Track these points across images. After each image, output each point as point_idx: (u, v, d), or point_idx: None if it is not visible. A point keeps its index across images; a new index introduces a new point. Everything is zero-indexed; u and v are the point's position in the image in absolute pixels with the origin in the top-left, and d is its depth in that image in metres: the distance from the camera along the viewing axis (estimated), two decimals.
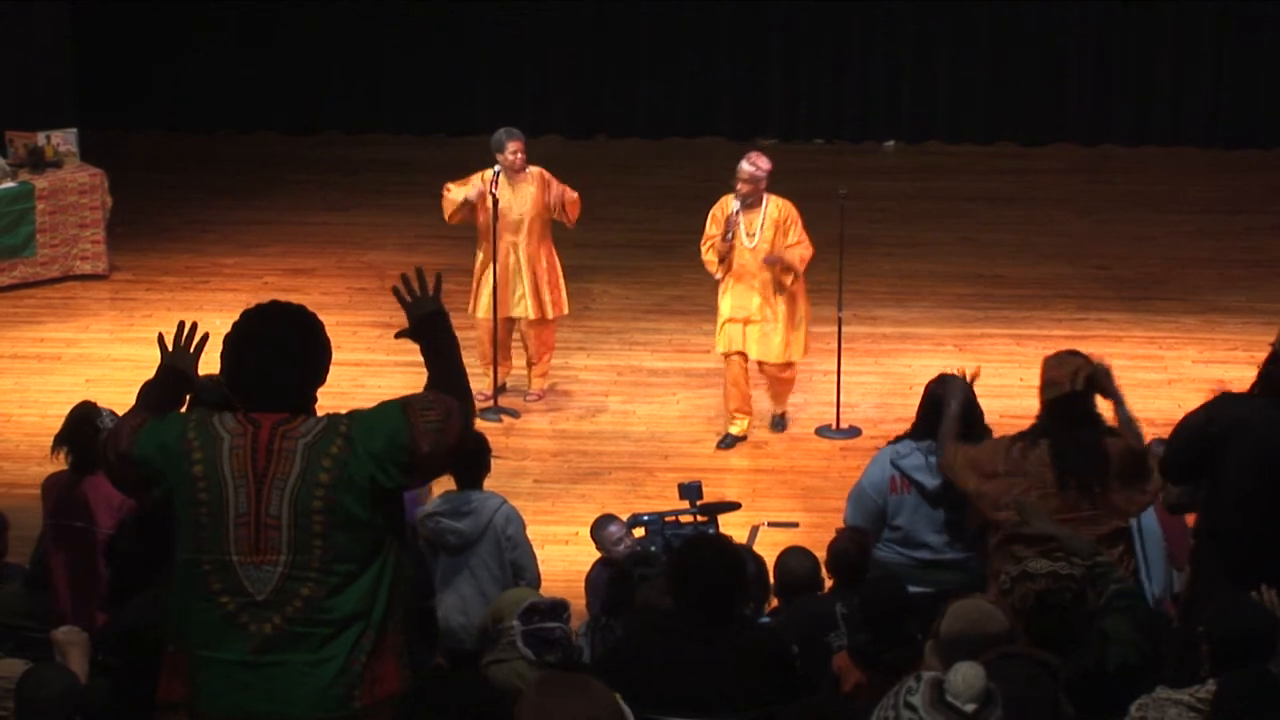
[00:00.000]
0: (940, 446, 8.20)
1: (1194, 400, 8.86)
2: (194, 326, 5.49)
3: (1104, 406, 8.00)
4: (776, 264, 11.83)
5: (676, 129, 18.89)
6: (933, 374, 12.99)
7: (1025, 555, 7.04)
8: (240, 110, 18.94)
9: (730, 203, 11.89)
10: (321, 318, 5.14)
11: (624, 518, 9.28)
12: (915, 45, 18.72)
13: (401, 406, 4.97)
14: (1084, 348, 13.39)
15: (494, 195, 12.36)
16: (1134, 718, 5.81)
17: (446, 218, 12.59)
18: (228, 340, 5.05)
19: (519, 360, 13.01)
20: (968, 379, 8.40)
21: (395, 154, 18.16)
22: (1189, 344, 13.80)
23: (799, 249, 11.86)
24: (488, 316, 12.52)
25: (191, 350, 5.41)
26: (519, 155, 12.41)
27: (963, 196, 17.14)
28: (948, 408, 8.25)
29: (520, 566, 8.66)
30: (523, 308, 12.51)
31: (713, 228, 11.96)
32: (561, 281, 12.67)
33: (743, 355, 12.08)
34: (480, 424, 12.43)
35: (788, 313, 11.98)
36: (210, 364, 5.38)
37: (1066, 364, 7.91)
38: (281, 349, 4.99)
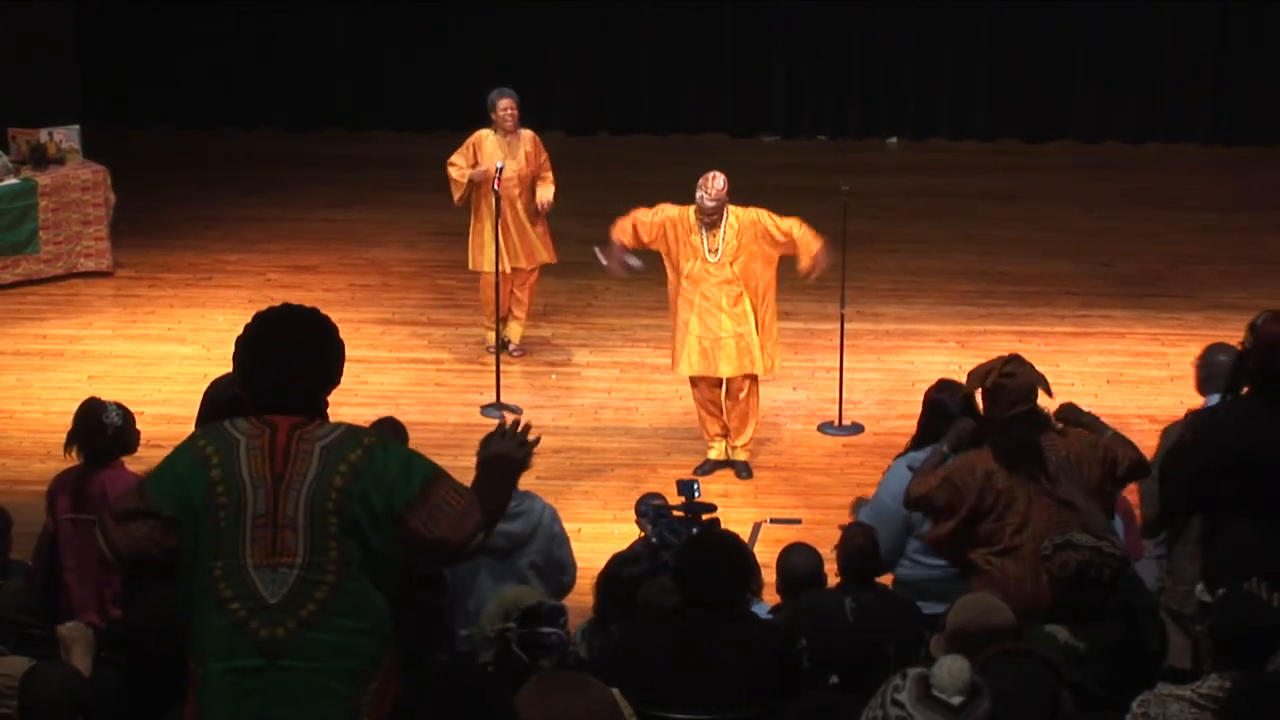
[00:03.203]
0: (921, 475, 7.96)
1: (1196, 397, 8.83)
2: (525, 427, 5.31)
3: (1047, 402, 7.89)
4: (819, 266, 11.57)
5: (679, 125, 18.88)
6: (935, 371, 13.07)
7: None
8: (243, 107, 18.95)
9: (693, 219, 11.50)
10: (324, 315, 5.12)
11: (626, 515, 9.24)
12: (918, 41, 18.72)
13: (429, 477, 4.91)
14: (1087, 344, 13.61)
15: (496, 192, 12.68)
16: (1135, 714, 5.81)
17: (456, 201, 13.09)
18: (242, 342, 5.02)
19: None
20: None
21: (397, 150, 18.17)
22: (1192, 341, 13.74)
23: (800, 232, 11.53)
24: (491, 270, 12.94)
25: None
26: (509, 113, 12.88)
27: (965, 193, 17.14)
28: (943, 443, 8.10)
29: (564, 563, 8.69)
30: (515, 259, 13.04)
31: (655, 215, 11.60)
32: (547, 232, 13.22)
33: (713, 380, 11.77)
34: (483, 420, 12.45)
35: (760, 322, 11.66)
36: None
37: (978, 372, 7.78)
38: (298, 352, 4.97)
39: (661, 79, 18.90)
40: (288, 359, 4.96)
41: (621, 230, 11.76)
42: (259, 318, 5.04)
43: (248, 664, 4.76)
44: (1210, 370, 8.54)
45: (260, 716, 4.77)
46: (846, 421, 12.46)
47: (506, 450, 5.19)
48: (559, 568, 8.63)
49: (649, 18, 18.83)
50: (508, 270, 13.01)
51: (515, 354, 13.43)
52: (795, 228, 11.57)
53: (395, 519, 4.85)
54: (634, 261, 11.85)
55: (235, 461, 4.84)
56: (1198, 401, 8.53)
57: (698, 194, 11.49)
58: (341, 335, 5.13)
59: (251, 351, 4.99)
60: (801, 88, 18.92)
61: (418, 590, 7.80)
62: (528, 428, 5.25)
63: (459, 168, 12.93)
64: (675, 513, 8.70)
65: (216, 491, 4.82)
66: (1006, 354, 7.97)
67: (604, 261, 11.91)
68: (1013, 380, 7.72)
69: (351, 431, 4.93)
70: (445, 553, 4.92)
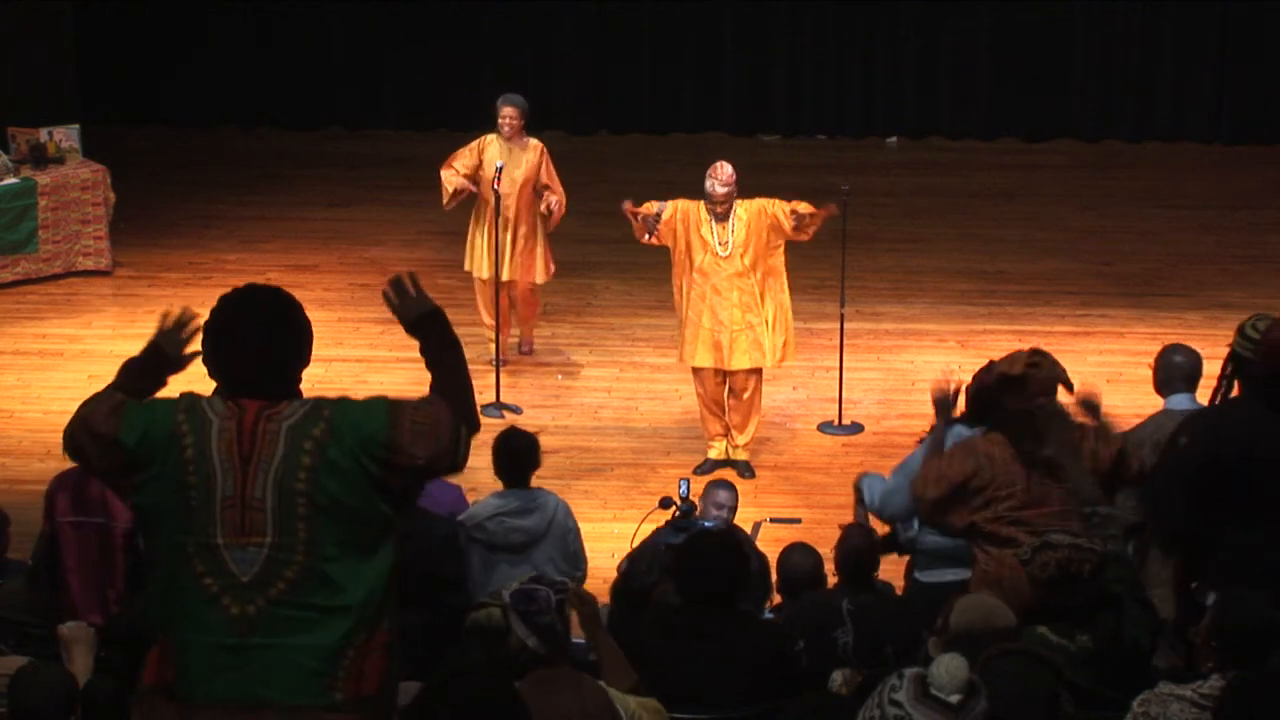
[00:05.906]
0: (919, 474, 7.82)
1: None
2: (187, 312, 5.39)
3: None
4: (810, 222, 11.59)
5: (679, 124, 18.87)
6: (935, 370, 13.10)
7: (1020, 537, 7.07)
8: (242, 106, 18.93)
9: (703, 213, 11.58)
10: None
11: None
12: (918, 40, 18.71)
13: (389, 406, 4.96)
14: (1087, 344, 13.61)
15: (496, 191, 12.66)
16: (1136, 713, 5.81)
17: (444, 205, 13.08)
18: (207, 328, 5.02)
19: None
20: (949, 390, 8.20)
21: (398, 150, 18.16)
22: (1191, 340, 13.54)
23: (801, 206, 11.60)
24: (480, 276, 12.93)
25: (183, 335, 5.29)
26: (508, 122, 12.84)
27: (965, 192, 17.13)
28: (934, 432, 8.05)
29: (578, 556, 8.80)
30: (506, 270, 12.89)
31: (664, 210, 11.67)
32: (544, 250, 13.09)
33: (720, 374, 11.80)
34: (482, 420, 12.43)
35: (774, 314, 11.74)
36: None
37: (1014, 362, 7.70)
38: (260, 335, 4.97)
39: (661, 79, 18.90)
40: (252, 343, 4.96)
41: (648, 208, 11.76)
42: (222, 301, 5.05)
43: (223, 641, 4.80)
44: (1168, 372, 8.56)
45: (236, 693, 4.79)
46: (846, 421, 12.47)
47: (421, 308, 5.32)
48: (573, 561, 8.74)
49: (649, 18, 18.82)
50: (503, 278, 12.92)
51: (525, 351, 13.48)
52: (802, 204, 11.61)
53: (384, 464, 4.87)
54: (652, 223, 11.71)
55: (207, 442, 4.86)
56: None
57: (707, 183, 11.55)
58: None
59: (216, 337, 4.99)
60: (801, 87, 18.91)
61: (436, 593, 7.80)
62: (413, 276, 5.40)
63: (454, 172, 12.88)
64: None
65: (188, 471, 4.85)
66: (1029, 347, 7.92)
67: (634, 220, 11.75)
68: (1038, 371, 7.65)
69: (314, 407, 4.92)
70: (443, 467, 4.99)
